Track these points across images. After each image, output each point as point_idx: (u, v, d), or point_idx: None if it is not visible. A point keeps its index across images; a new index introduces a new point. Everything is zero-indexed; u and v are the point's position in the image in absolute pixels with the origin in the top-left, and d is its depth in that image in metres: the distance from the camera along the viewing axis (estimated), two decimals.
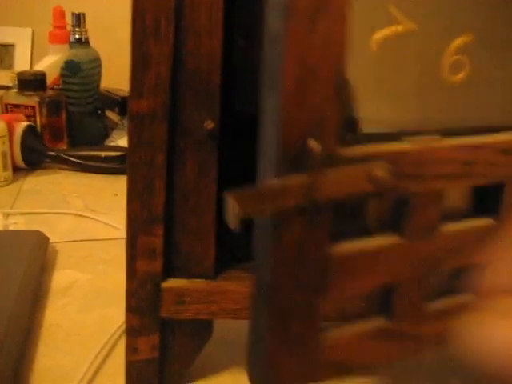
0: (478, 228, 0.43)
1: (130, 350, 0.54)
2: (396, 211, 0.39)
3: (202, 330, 0.55)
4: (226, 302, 0.52)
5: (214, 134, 0.47)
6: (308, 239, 0.35)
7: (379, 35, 0.47)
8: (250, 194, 0.31)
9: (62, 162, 1.16)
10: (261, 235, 0.34)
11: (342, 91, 0.34)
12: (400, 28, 0.47)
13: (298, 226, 0.34)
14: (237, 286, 0.52)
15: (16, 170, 1.13)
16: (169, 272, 0.52)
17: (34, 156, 1.16)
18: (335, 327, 0.40)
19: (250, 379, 0.38)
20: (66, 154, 1.15)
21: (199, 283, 0.52)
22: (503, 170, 0.42)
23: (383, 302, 0.41)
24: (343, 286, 0.38)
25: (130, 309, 0.53)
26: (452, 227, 0.42)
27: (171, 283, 0.52)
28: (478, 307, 0.32)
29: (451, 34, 0.48)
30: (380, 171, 0.35)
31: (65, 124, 1.26)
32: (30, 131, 1.15)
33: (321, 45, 0.32)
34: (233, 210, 0.30)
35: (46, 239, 0.83)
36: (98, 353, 0.62)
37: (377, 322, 0.41)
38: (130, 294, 0.52)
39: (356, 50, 0.46)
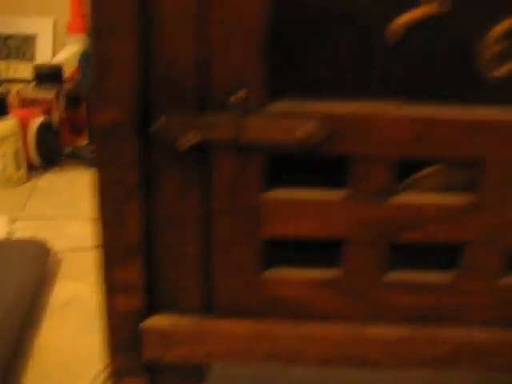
0: (444, 205, 0.40)
1: None
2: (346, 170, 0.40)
3: (192, 374, 0.47)
4: (218, 343, 0.44)
5: (193, 150, 0.38)
6: (241, 178, 0.39)
7: (404, 18, 0.38)
8: (183, 119, 0.37)
9: (78, 159, 1.10)
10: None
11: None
12: (427, 10, 0.38)
13: (229, 165, 0.39)
14: (231, 325, 0.44)
15: (32, 168, 1.08)
16: (152, 308, 0.45)
17: (50, 153, 1.10)
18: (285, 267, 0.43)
19: None
20: (82, 151, 1.09)
21: (186, 321, 0.44)
22: (466, 146, 0.38)
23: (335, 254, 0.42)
24: (277, 230, 0.41)
25: (111, 347, 0.46)
26: (409, 197, 0.40)
27: (154, 321, 0.44)
28: None
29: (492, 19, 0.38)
30: (308, 127, 0.37)
31: (85, 117, 1.20)
32: (46, 127, 1.10)
33: None
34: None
35: (47, 250, 0.77)
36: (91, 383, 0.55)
37: (328, 273, 0.43)
38: (112, 332, 0.45)
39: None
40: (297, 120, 0.38)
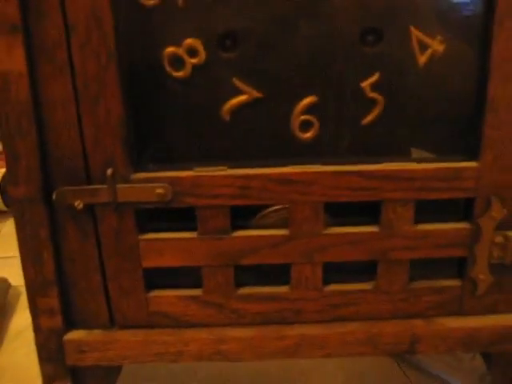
0: (271, 237, 0.56)
1: None
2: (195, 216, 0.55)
3: (108, 372, 0.62)
4: (120, 349, 0.59)
5: (86, 210, 0.54)
6: (121, 227, 0.56)
7: (228, 105, 0.54)
8: (74, 189, 0.54)
9: None
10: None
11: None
12: (245, 97, 0.54)
13: (111, 219, 0.55)
14: (128, 335, 0.59)
15: None
16: (70, 325, 0.60)
17: None
18: (162, 289, 0.59)
19: None
20: None
21: (95, 334, 0.60)
22: (277, 194, 0.55)
23: (199, 277, 0.58)
24: (152, 262, 0.57)
25: (41, 358, 0.61)
26: (242, 233, 0.56)
27: (72, 335, 0.60)
28: None
29: (296, 97, 0.54)
30: (161, 189, 0.54)
31: None
32: None
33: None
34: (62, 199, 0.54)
35: (8, 284, 0.92)
36: None
37: (194, 291, 0.59)
38: (40, 346, 0.60)
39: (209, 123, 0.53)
40: (153, 184, 0.53)
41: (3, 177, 1.23)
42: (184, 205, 0.54)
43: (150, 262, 0.57)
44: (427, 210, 0.56)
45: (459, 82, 0.54)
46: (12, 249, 1.10)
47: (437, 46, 0.53)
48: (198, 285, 0.59)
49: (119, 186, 0.53)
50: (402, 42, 0.53)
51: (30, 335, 0.82)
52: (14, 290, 0.94)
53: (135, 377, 0.67)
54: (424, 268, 0.59)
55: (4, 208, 1.24)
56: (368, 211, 0.57)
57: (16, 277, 0.95)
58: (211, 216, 0.55)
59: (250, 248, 0.56)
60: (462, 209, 0.57)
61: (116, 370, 0.63)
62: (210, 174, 0.53)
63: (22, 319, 0.87)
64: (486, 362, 0.66)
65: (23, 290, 0.94)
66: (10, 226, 1.21)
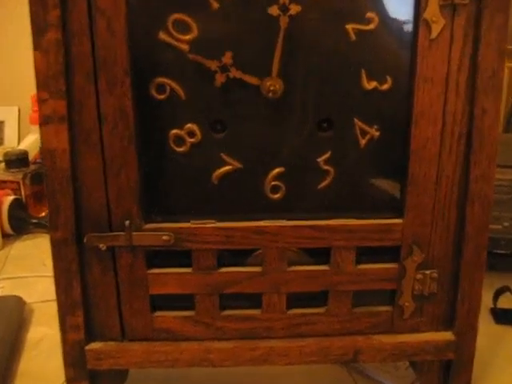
0: (248, 273, 0.74)
1: None
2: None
3: (119, 375, 0.80)
4: (129, 357, 0.77)
5: (107, 250, 0.72)
6: (134, 263, 0.72)
7: (217, 173, 0.72)
8: (100, 235, 0.71)
9: (43, 228, 1.42)
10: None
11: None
12: (230, 167, 0.72)
13: (128, 256, 0.72)
14: (136, 346, 0.77)
15: (5, 236, 1.39)
16: (91, 337, 0.77)
17: (20, 224, 1.41)
18: (164, 310, 0.76)
19: None
20: (45, 221, 1.41)
21: (110, 345, 0.77)
22: (254, 241, 0.72)
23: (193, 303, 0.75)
24: (157, 290, 0.74)
25: (66, 364, 0.78)
26: (225, 269, 0.73)
27: (92, 346, 0.77)
28: None
29: (268, 168, 0.73)
30: (166, 237, 0.70)
31: None
32: (16, 203, 1.41)
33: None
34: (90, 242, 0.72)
35: (23, 302, 1.08)
36: None
37: (188, 312, 0.75)
38: (66, 354, 0.77)
39: (203, 186, 0.71)
40: (160, 233, 0.71)
41: (11, 204, 1.39)
42: (183, 248, 0.72)
43: (155, 290, 0.74)
44: (365, 253, 0.75)
45: (390, 161, 0.73)
46: (21, 270, 1.27)
47: (374, 132, 0.72)
48: (191, 307, 0.76)
49: (134, 233, 0.71)
50: (348, 129, 0.71)
51: (46, 345, 1.00)
52: (28, 306, 1.11)
53: (139, 379, 0.84)
54: (363, 297, 0.77)
55: (11, 232, 1.40)
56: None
57: (28, 295, 1.12)
58: (203, 257, 0.73)
59: (232, 281, 0.74)
60: (391, 252, 0.76)
61: (125, 373, 0.81)
62: (203, 225, 0.71)
63: (37, 332, 1.04)
64: (414, 370, 0.85)
65: (36, 306, 1.11)
66: (16, 248, 1.37)
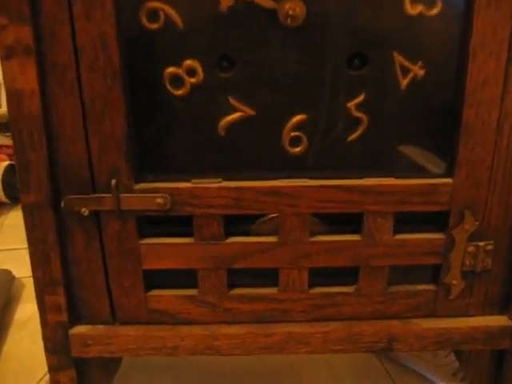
0: (262, 244, 0.62)
1: (54, 383, 0.67)
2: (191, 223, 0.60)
3: (110, 363, 0.68)
4: (121, 343, 0.65)
5: (91, 216, 0.59)
6: (123, 232, 0.60)
7: (224, 122, 0.58)
8: (81, 198, 0.58)
9: None
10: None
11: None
12: (240, 115, 0.58)
13: (114, 225, 0.60)
14: (128, 330, 0.64)
15: (0, 205, 1.27)
16: (76, 320, 0.65)
17: (16, 192, 1.29)
18: (160, 288, 0.64)
19: None
20: None
21: (98, 329, 0.65)
22: (267, 205, 0.59)
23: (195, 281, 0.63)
24: (152, 265, 0.62)
25: (47, 350, 0.66)
26: (234, 240, 0.61)
27: (77, 330, 0.65)
28: None
29: (286, 115, 0.59)
30: (161, 199, 0.58)
31: None
32: (11, 169, 1.29)
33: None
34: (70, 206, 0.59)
35: (12, 277, 0.97)
36: (41, 378, 0.76)
37: (190, 291, 0.64)
38: (46, 339, 0.65)
39: (206, 138, 0.57)
40: (153, 194, 0.58)
41: (5, 170, 1.27)
42: (182, 213, 0.59)
43: (149, 265, 0.61)
44: (405, 220, 0.61)
45: (438, 106, 0.59)
46: (14, 241, 1.15)
47: (418, 70, 0.57)
48: (193, 284, 0.63)
49: (122, 195, 0.58)
50: (386, 66, 0.57)
51: (34, 325, 0.88)
52: (18, 281, 0.99)
53: (136, 365, 0.72)
54: (401, 273, 0.64)
55: (6, 200, 1.28)
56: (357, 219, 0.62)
57: (19, 269, 1.01)
58: (206, 224, 0.60)
59: (242, 253, 0.61)
60: (437, 219, 0.62)
61: (117, 361, 0.68)
62: (206, 185, 0.58)
63: (26, 310, 0.92)
64: (458, 359, 0.71)
65: (27, 281, 0.99)
66: (11, 218, 1.25)
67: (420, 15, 0.55)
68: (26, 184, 0.57)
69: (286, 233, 0.60)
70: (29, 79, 0.54)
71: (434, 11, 0.55)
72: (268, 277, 0.64)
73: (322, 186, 0.58)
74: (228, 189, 0.58)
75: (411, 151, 0.61)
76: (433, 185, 0.59)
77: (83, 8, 0.52)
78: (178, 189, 0.58)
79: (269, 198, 0.59)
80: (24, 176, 0.57)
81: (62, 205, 0.58)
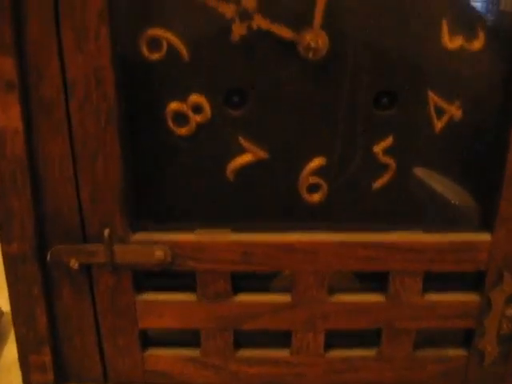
0: (273, 304, 0.54)
1: None
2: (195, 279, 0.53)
3: None
4: None
5: (82, 271, 0.52)
6: (118, 288, 0.53)
7: (233, 165, 0.51)
8: (70, 248, 0.51)
9: None
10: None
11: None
12: (251, 157, 0.51)
13: (107, 279, 0.53)
14: None
15: None
16: (63, 379, 0.58)
17: None
18: (159, 347, 0.57)
19: None
20: None
21: None
22: (281, 262, 0.52)
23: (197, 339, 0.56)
24: (149, 323, 0.55)
25: None
26: (243, 298, 0.54)
27: None
28: None
29: (304, 158, 0.52)
30: (161, 252, 0.51)
31: None
32: None
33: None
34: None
35: (1, 312, 0.89)
36: None
37: (192, 351, 0.57)
38: None
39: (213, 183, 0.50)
40: (151, 247, 0.51)
41: None
42: (183, 268, 0.52)
43: (146, 323, 0.55)
44: (435, 277, 0.54)
45: (476, 152, 0.52)
46: (2, 272, 1.08)
47: (455, 111, 0.50)
48: (195, 342, 0.56)
49: (116, 246, 0.51)
50: (418, 106, 0.50)
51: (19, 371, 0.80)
52: (7, 316, 0.92)
53: None
54: (428, 335, 0.57)
55: None
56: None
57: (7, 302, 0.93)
58: (212, 281, 0.53)
59: (251, 313, 0.54)
60: (470, 277, 0.55)
61: None
62: (212, 238, 0.51)
63: (12, 352, 0.85)
64: None
65: None
66: None
67: (460, 48, 0.48)
68: (8, 232, 0.51)
69: (300, 292, 0.53)
70: (11, 117, 0.47)
71: (476, 45, 0.48)
72: (279, 336, 0.56)
73: (341, 242, 0.51)
74: (237, 243, 0.51)
75: (443, 202, 0.53)
76: (468, 242, 0.52)
77: (74, 37, 0.45)
78: (179, 241, 0.51)
79: (282, 253, 0.52)
80: (5, 224, 0.50)
81: (49, 256, 0.51)
